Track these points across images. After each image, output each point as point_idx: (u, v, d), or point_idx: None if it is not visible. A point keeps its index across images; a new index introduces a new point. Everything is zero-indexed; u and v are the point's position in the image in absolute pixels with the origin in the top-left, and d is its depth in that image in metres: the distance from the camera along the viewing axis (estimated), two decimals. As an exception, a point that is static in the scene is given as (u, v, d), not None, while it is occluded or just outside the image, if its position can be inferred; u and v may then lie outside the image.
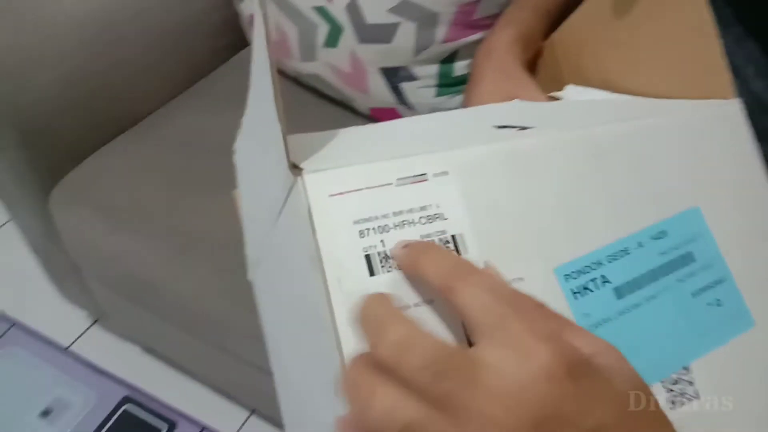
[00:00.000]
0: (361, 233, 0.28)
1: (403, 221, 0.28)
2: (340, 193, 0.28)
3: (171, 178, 0.83)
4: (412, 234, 0.28)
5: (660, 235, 0.31)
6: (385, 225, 0.28)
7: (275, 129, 0.28)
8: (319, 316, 0.27)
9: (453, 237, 0.29)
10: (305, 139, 0.34)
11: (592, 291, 0.30)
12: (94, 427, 1.00)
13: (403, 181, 0.29)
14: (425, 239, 0.28)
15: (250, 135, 0.36)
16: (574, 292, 0.29)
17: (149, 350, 1.07)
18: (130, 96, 0.90)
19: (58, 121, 0.83)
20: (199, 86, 0.96)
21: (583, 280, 0.30)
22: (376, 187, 0.28)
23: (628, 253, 0.31)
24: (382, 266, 0.27)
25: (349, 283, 0.27)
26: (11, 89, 0.77)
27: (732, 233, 0.33)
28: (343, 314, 0.27)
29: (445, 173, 0.29)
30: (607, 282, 0.30)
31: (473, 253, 0.29)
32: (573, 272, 0.30)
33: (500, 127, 0.35)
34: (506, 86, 0.55)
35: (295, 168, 0.28)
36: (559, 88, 0.51)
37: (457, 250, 0.28)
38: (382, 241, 0.28)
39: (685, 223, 0.32)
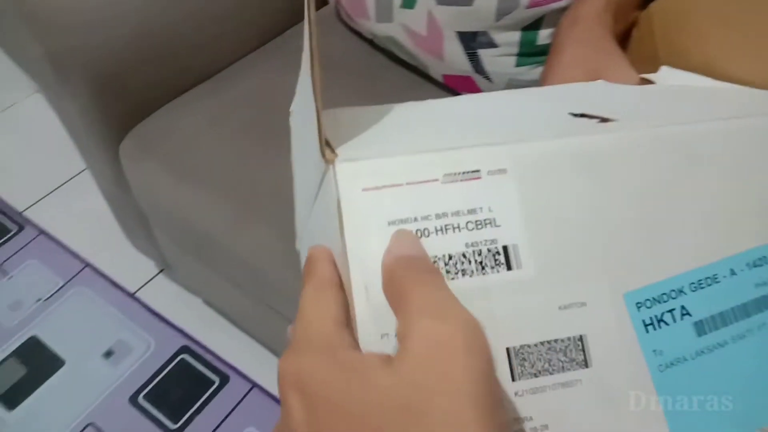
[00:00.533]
0: (396, 236, 0.24)
1: (447, 225, 0.24)
2: (376, 188, 0.24)
3: (238, 135, 0.82)
4: (456, 241, 0.24)
5: (760, 261, 0.26)
6: (425, 228, 0.24)
7: (311, 105, 0.25)
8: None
9: (505, 248, 0.24)
10: (348, 115, 0.30)
11: (667, 324, 0.25)
12: (152, 372, 1.03)
13: (451, 177, 0.25)
14: (470, 249, 0.24)
15: (300, 102, 0.33)
16: (646, 324, 0.25)
17: (210, 303, 1.09)
18: (201, 52, 0.88)
19: (129, 73, 0.82)
20: (272, 45, 0.94)
21: (658, 310, 0.25)
22: (418, 183, 0.24)
23: (717, 282, 0.25)
24: (418, 276, 0.24)
25: (376, 293, 0.23)
26: (84, 39, 0.77)
27: None
28: (369, 329, 0.23)
29: (502, 171, 0.25)
30: (687, 315, 0.25)
31: (528, 269, 0.24)
32: (647, 300, 0.25)
33: (577, 115, 0.30)
34: (591, 60, 0.49)
35: (330, 151, 0.25)
36: (653, 69, 0.45)
37: (508, 265, 0.24)
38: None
39: (793, 250, 0.26)
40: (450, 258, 0.24)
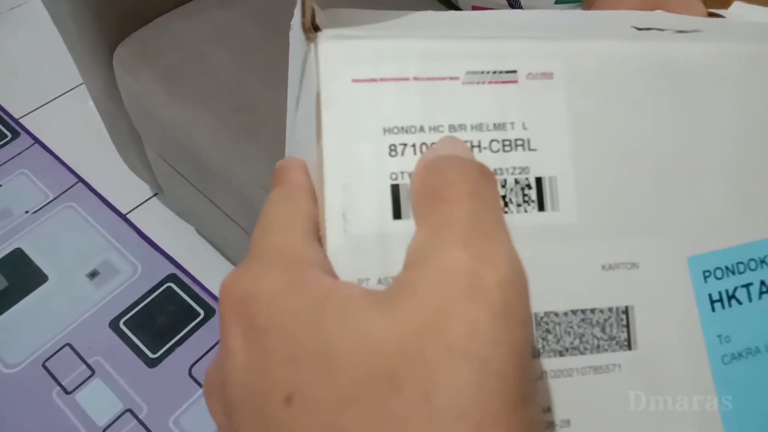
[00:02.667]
0: (393, 149, 0.18)
1: (465, 142, 0.18)
2: (372, 80, 0.18)
3: (243, 54, 0.75)
4: (475, 164, 0.18)
5: None
6: (434, 143, 0.18)
7: None
8: None
9: (539, 181, 0.18)
10: (350, 13, 0.23)
11: (741, 303, 0.19)
12: (136, 297, 0.98)
13: (476, 77, 0.18)
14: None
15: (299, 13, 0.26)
16: (714, 300, 0.19)
17: (203, 234, 1.04)
18: (210, -47, 0.80)
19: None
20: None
21: (731, 283, 0.19)
22: (430, 79, 0.18)
23: (812, 255, 0.19)
24: (417, 206, 0.17)
25: (357, 224, 0.17)
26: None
27: None
28: (343, 270, 0.17)
29: (548, 75, 0.18)
30: (767, 293, 0.19)
31: (567, 212, 0.18)
32: (718, 269, 0.19)
33: (642, 29, 0.23)
34: None
35: (314, 30, 0.18)
36: (724, 5, 0.37)
37: (541, 203, 0.18)
38: (426, 166, 0.18)
39: None
40: (463, 186, 0.18)
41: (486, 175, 0.16)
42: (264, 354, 0.15)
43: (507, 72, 0.18)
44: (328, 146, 0.17)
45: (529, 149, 0.18)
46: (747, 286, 0.19)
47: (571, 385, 0.18)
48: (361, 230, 0.17)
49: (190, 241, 1.04)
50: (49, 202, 1.09)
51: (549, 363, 0.18)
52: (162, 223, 1.06)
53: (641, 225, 0.18)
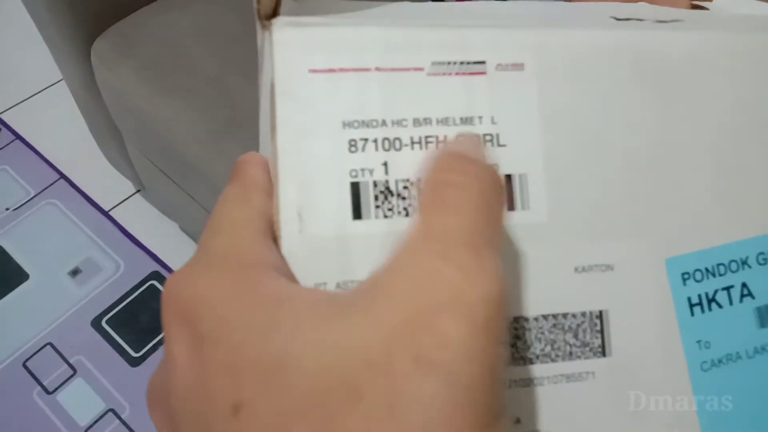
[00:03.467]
0: (353, 144, 0.17)
1: (428, 137, 0.17)
2: (330, 70, 0.17)
3: (224, 47, 0.73)
4: (440, 161, 0.17)
5: None
6: (397, 138, 0.17)
7: None
8: None
9: (508, 178, 0.17)
10: (326, 1, 0.22)
11: (721, 306, 0.18)
12: (119, 295, 0.97)
13: (442, 68, 0.17)
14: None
15: None
16: (693, 304, 0.18)
17: (186, 231, 1.02)
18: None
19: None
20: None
21: (710, 286, 0.18)
22: (393, 70, 0.17)
23: (796, 256, 0.18)
24: (378, 206, 0.16)
25: (314, 223, 0.16)
26: None
27: None
28: (298, 271, 0.16)
29: (518, 66, 0.17)
30: (749, 296, 0.18)
31: (538, 211, 0.17)
32: (697, 271, 0.18)
33: (621, 19, 0.22)
34: None
35: (272, 16, 0.17)
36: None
37: (511, 202, 0.17)
38: (385, 164, 0.17)
39: None
40: (428, 184, 0.17)
41: (496, 184, 0.15)
42: (209, 363, 0.14)
43: (475, 63, 0.17)
44: (283, 141, 0.16)
45: (498, 145, 0.17)
46: (728, 288, 0.18)
47: (543, 394, 0.17)
48: (318, 231, 0.16)
49: (173, 238, 1.02)
50: (30, 199, 1.07)
51: (518, 371, 0.17)
52: (145, 220, 1.04)
53: (616, 225, 0.17)
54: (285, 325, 0.14)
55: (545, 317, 0.17)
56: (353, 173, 0.16)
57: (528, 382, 0.17)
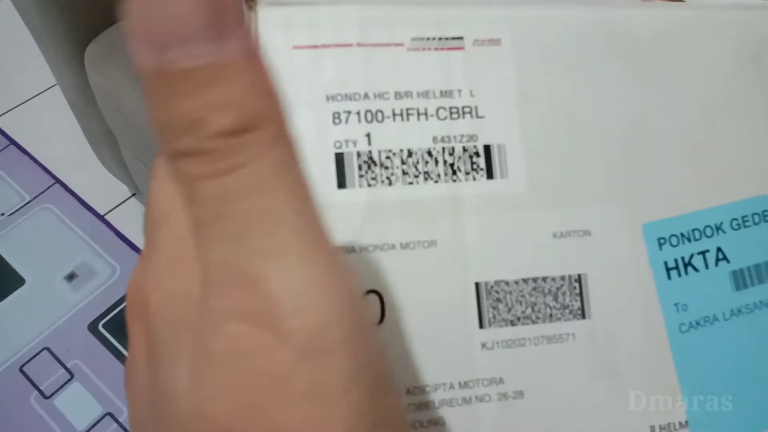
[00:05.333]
0: (336, 117, 0.17)
1: (410, 109, 0.17)
2: (313, 46, 0.17)
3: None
4: (421, 132, 0.17)
5: (828, 200, 0.19)
6: (379, 111, 0.17)
7: None
8: None
9: (487, 149, 0.18)
10: None
11: (697, 270, 0.18)
12: (115, 299, 0.97)
13: (422, 43, 0.18)
14: (440, 146, 0.17)
15: None
16: (670, 268, 0.18)
17: (182, 233, 1.03)
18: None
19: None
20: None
21: (686, 250, 0.18)
22: (375, 45, 0.17)
23: (766, 221, 0.19)
24: (361, 175, 0.17)
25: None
26: None
27: None
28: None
29: (495, 42, 0.18)
30: (725, 260, 0.18)
31: (517, 179, 0.18)
32: (673, 236, 0.18)
33: None
34: None
35: None
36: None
37: (490, 171, 0.18)
38: (368, 135, 0.17)
39: None
40: (410, 155, 0.17)
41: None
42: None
43: (453, 38, 0.18)
44: (269, 115, 0.17)
45: (477, 117, 0.18)
46: (703, 253, 0.18)
47: (524, 355, 0.17)
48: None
49: (169, 241, 1.03)
50: (25, 204, 1.07)
51: (500, 333, 0.17)
52: (140, 224, 1.04)
53: (593, 192, 0.18)
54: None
55: (525, 281, 0.17)
56: (337, 144, 0.17)
57: (510, 343, 0.17)
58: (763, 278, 0.19)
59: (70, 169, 1.10)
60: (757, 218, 0.19)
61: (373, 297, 0.17)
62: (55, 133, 1.15)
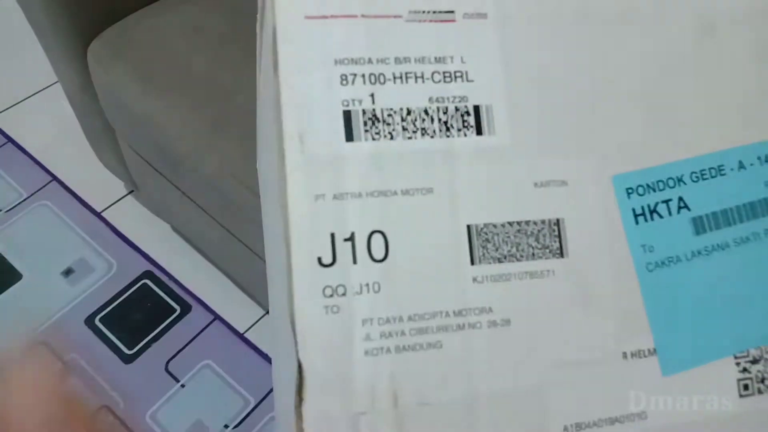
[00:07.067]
0: (344, 78, 0.19)
1: (408, 73, 0.20)
2: (323, 17, 0.20)
3: (217, 46, 0.76)
4: (418, 93, 0.20)
5: (776, 157, 0.22)
6: (381, 73, 0.20)
7: None
8: (275, 197, 0.20)
9: (476, 109, 0.20)
10: None
11: (661, 217, 0.21)
12: (112, 294, 0.99)
13: (418, 15, 0.20)
14: (435, 105, 0.20)
15: None
16: (637, 214, 0.21)
17: (177, 231, 1.04)
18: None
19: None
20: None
21: (652, 199, 0.21)
22: (376, 16, 0.20)
23: (723, 174, 0.21)
24: (366, 130, 0.19)
25: (313, 144, 0.19)
26: None
27: None
28: (300, 189, 0.19)
29: (482, 15, 0.21)
30: (686, 208, 0.21)
31: (502, 135, 0.20)
32: (640, 186, 0.21)
33: None
34: None
35: None
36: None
37: (479, 128, 0.20)
38: (372, 95, 0.20)
39: (817, 146, 0.22)
40: (409, 113, 0.20)
41: None
42: None
43: (445, 12, 0.20)
44: (285, 76, 0.19)
45: (467, 80, 0.20)
46: (666, 201, 0.21)
47: (510, 288, 0.20)
48: (316, 151, 0.19)
49: (165, 238, 1.05)
50: (22, 201, 1.08)
51: (489, 268, 0.19)
52: (137, 221, 1.06)
53: (568, 147, 0.20)
54: None
55: (510, 224, 0.20)
56: (345, 103, 0.19)
57: (498, 278, 0.19)
58: (720, 224, 0.21)
59: (67, 167, 1.12)
60: (713, 172, 0.21)
61: (378, 236, 0.19)
62: (52, 132, 1.16)
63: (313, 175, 0.19)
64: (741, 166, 0.22)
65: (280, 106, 0.19)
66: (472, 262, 0.19)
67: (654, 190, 0.21)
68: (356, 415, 0.18)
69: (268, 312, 0.99)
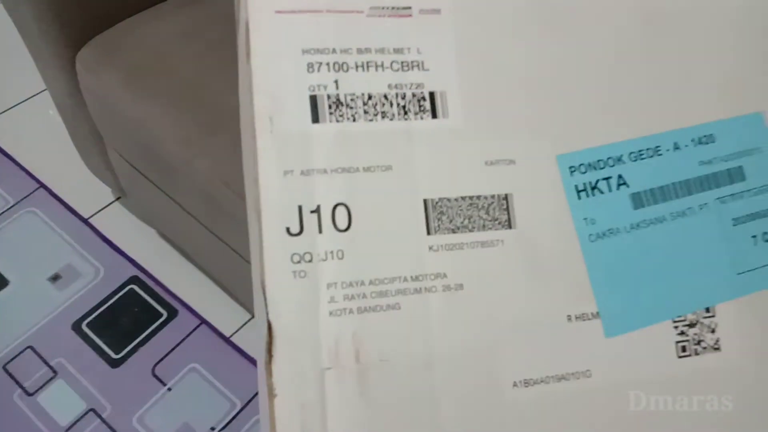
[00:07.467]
0: (310, 66, 0.21)
1: (369, 62, 0.22)
2: (292, 11, 0.22)
3: (207, 54, 0.78)
4: (378, 80, 0.22)
5: (706, 139, 0.24)
6: (344, 62, 0.22)
7: None
8: (251, 174, 0.21)
9: (431, 95, 0.22)
10: None
11: (602, 192, 0.23)
12: (99, 300, 1.00)
13: (378, 11, 0.22)
14: (394, 91, 0.22)
15: None
16: (579, 190, 0.23)
17: (164, 236, 1.06)
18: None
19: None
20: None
21: (593, 176, 0.23)
22: (340, 12, 0.22)
23: (659, 154, 0.23)
24: (331, 113, 0.21)
25: (282, 125, 0.21)
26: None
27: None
28: (271, 165, 0.21)
29: (436, 11, 0.23)
30: (624, 185, 0.23)
31: (455, 119, 0.22)
32: (582, 165, 0.23)
33: None
34: None
35: None
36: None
37: (434, 112, 0.22)
38: (336, 81, 0.22)
39: (741, 129, 0.24)
40: (370, 98, 0.22)
41: None
42: None
43: (403, 8, 0.22)
44: (257, 63, 0.21)
45: (423, 69, 0.22)
46: (607, 179, 0.23)
47: (463, 256, 0.21)
48: (284, 131, 0.21)
49: (152, 244, 1.06)
50: (9, 208, 1.09)
51: (444, 238, 0.21)
52: (124, 227, 1.07)
53: (516, 129, 0.22)
54: None
55: (463, 198, 0.22)
56: (311, 88, 0.21)
57: (452, 247, 0.21)
58: (657, 199, 0.23)
59: (54, 174, 1.13)
60: (651, 152, 0.23)
61: (342, 208, 0.21)
62: (40, 139, 1.17)
63: (282, 152, 0.21)
64: (676, 147, 0.24)
65: (252, 91, 0.21)
66: (428, 233, 0.21)
67: (595, 169, 0.23)
68: (322, 370, 0.20)
69: (254, 316, 1.01)
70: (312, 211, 0.20)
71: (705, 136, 0.24)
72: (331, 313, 0.20)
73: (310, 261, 0.20)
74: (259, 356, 0.20)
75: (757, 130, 0.24)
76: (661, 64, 0.24)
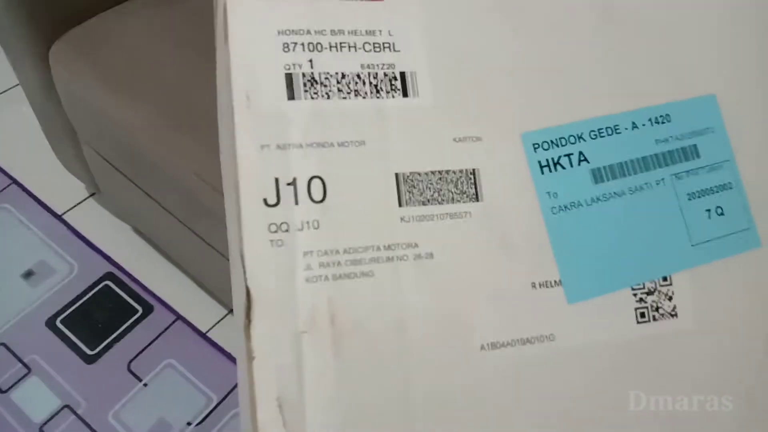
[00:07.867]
0: (286, 47, 0.22)
1: (342, 43, 0.23)
2: None
3: (181, 49, 0.78)
4: (351, 60, 0.23)
5: (662, 119, 0.25)
6: (318, 43, 0.23)
7: None
8: (228, 150, 0.22)
9: (402, 75, 0.23)
10: None
11: (564, 168, 0.24)
12: (73, 296, 0.99)
13: None
14: (366, 71, 0.23)
15: None
16: (542, 165, 0.24)
17: (140, 232, 1.05)
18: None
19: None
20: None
21: (555, 153, 0.24)
22: None
23: (618, 133, 0.25)
24: (305, 90, 0.22)
25: (259, 102, 0.22)
26: None
27: (751, 134, 0.26)
28: (247, 139, 0.22)
29: None
30: (585, 161, 0.24)
31: (425, 97, 0.23)
32: (545, 142, 0.24)
33: None
34: None
35: None
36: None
37: (405, 91, 0.23)
38: (310, 61, 0.22)
39: (695, 110, 0.26)
40: (343, 77, 0.23)
41: None
42: None
43: None
44: (234, 44, 0.22)
45: (394, 50, 0.23)
46: (568, 155, 0.24)
47: (433, 227, 0.23)
48: (261, 108, 0.22)
49: (126, 240, 1.05)
50: (-19, 205, 1.08)
51: (415, 210, 0.23)
52: (98, 224, 1.07)
53: (483, 109, 0.24)
54: None
55: (433, 173, 0.23)
56: (287, 67, 0.22)
57: (422, 218, 0.23)
58: (616, 174, 0.25)
59: (27, 170, 1.12)
60: (610, 131, 0.25)
61: (318, 181, 0.22)
62: (13, 136, 1.16)
63: (259, 128, 0.22)
64: (634, 126, 0.25)
65: (229, 70, 0.22)
66: (400, 204, 0.22)
67: (557, 146, 0.24)
68: (298, 333, 0.21)
69: (231, 311, 1.01)
70: (288, 184, 0.21)
71: (661, 116, 0.25)
72: (307, 280, 0.21)
73: (287, 231, 0.21)
74: (238, 324, 0.21)
75: (711, 111, 0.26)
76: (620, 50, 0.25)
